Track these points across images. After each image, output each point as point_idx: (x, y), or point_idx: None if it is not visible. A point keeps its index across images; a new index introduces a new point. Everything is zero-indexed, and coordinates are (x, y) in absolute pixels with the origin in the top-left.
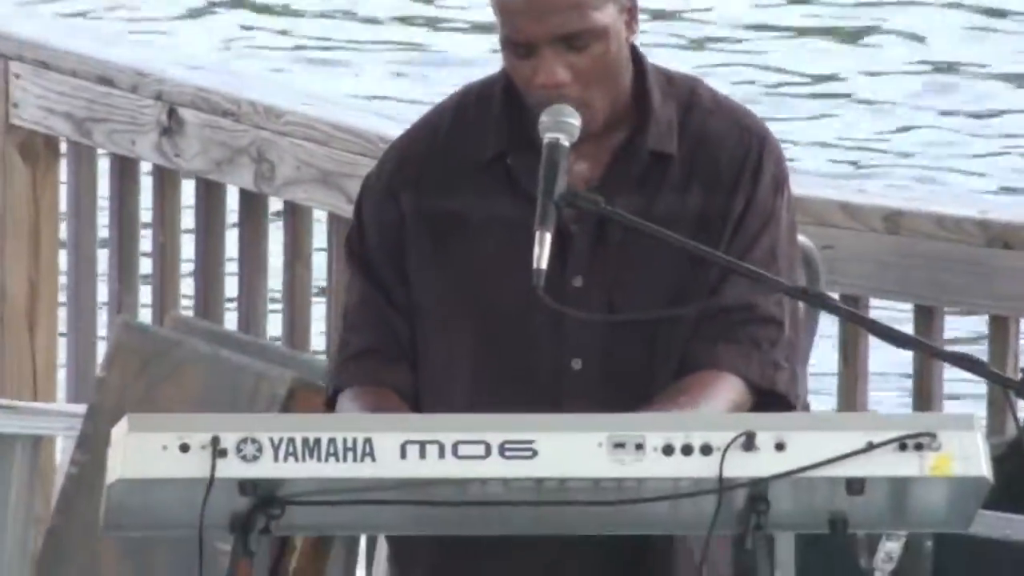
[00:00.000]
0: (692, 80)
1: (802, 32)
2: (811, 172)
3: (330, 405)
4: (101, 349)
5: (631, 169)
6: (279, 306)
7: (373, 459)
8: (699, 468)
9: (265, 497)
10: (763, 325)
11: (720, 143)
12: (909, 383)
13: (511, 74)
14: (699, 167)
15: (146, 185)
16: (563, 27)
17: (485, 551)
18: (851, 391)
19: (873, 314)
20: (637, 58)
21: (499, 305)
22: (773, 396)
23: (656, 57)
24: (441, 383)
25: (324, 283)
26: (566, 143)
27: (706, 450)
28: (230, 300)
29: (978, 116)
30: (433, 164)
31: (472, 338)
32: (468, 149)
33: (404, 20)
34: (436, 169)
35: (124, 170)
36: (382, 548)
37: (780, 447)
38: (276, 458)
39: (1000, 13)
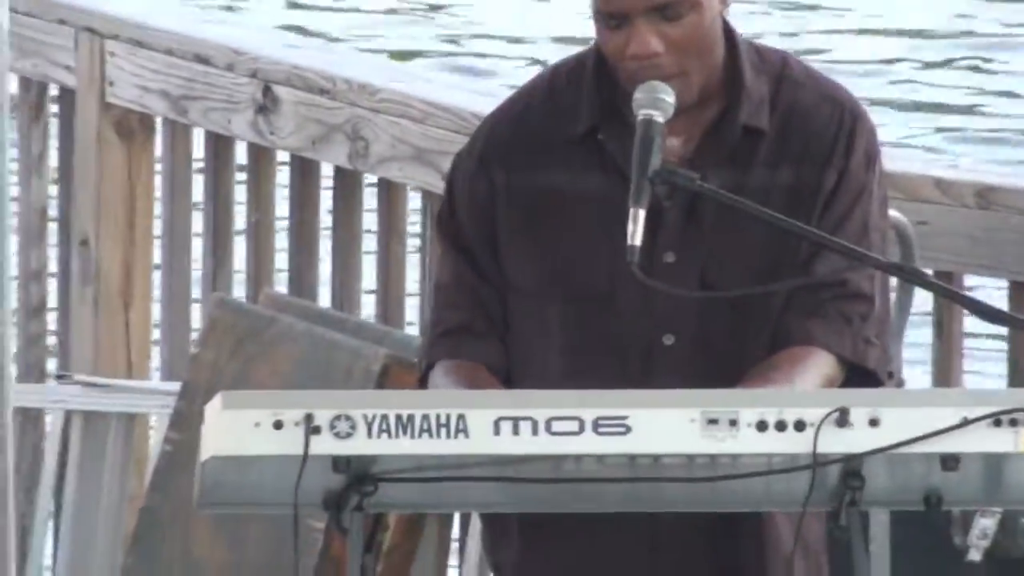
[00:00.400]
0: (782, 54)
1: None
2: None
3: (423, 382)
4: (196, 326)
5: (724, 144)
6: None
7: (466, 435)
8: (793, 444)
9: (358, 474)
10: (854, 300)
11: (812, 117)
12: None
13: (602, 47)
14: (791, 141)
15: (240, 161)
16: None
17: (576, 531)
18: (946, 366)
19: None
20: (729, 32)
21: (590, 280)
22: (863, 372)
23: None
24: (532, 357)
25: (419, 260)
26: (660, 120)
27: (800, 426)
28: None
29: None
30: (525, 139)
31: (563, 313)
32: (559, 125)
33: None
34: (527, 144)
35: (219, 148)
36: (475, 526)
37: (874, 423)
38: (370, 435)
39: None
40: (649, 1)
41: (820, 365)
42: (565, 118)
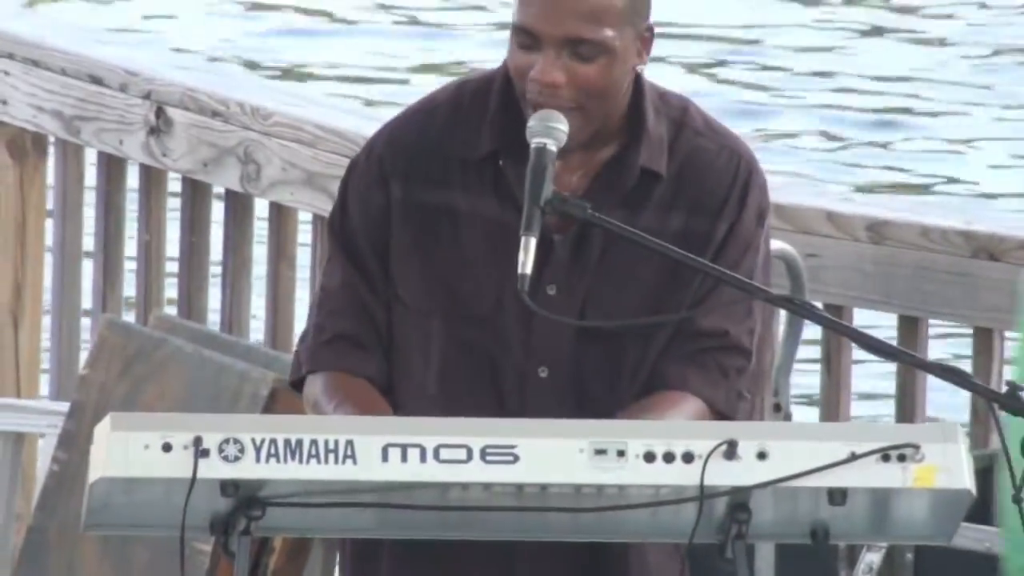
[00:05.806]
0: (685, 101)
1: None
2: None
3: (297, 386)
4: (85, 347)
5: (619, 183)
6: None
7: (354, 461)
8: (680, 476)
9: (246, 498)
10: (733, 354)
11: (708, 167)
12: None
13: (509, 62)
14: (686, 188)
15: (133, 183)
16: (576, 32)
17: (443, 553)
18: (833, 401)
19: (857, 324)
20: (636, 75)
21: (474, 303)
22: None
23: None
24: (411, 372)
25: (308, 284)
26: (553, 148)
27: (688, 458)
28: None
29: None
30: (425, 156)
31: (445, 332)
32: (461, 145)
33: None
34: (428, 161)
35: (111, 169)
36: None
37: (762, 456)
38: (258, 459)
39: None
40: (564, 31)
41: (691, 411)
42: (467, 138)
